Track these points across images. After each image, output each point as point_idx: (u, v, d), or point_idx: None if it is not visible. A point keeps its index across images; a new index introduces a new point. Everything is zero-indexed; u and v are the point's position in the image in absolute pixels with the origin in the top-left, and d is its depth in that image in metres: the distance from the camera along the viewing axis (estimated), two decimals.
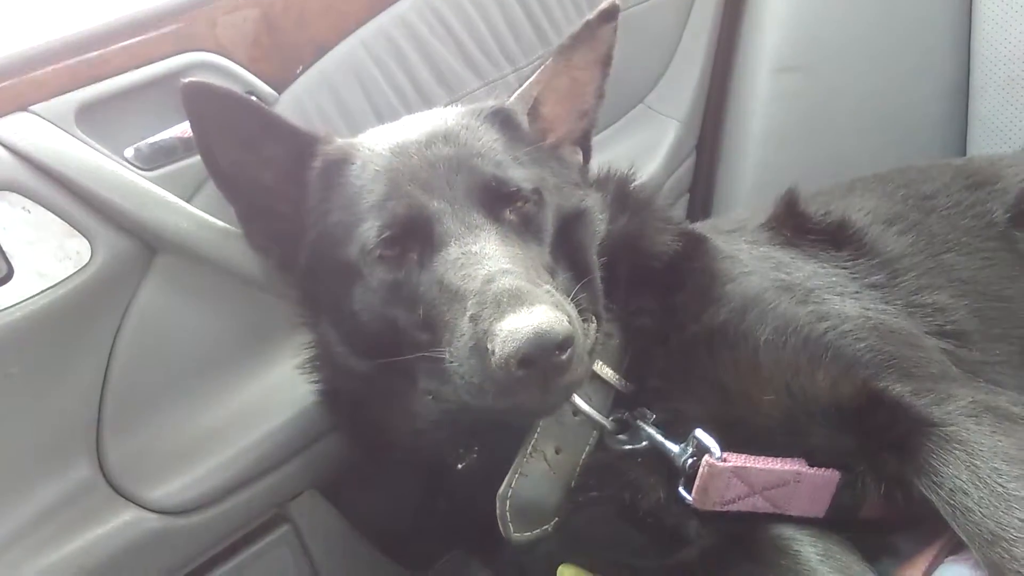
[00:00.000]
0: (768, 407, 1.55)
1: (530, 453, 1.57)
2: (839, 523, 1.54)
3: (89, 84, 1.76)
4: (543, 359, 1.30)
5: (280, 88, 2.01)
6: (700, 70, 2.86)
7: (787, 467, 1.51)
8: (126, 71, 1.81)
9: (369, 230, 1.52)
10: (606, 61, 1.78)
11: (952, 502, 1.38)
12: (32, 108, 1.69)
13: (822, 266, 1.84)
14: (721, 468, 1.49)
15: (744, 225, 2.03)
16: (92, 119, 1.75)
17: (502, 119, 1.70)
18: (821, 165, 2.74)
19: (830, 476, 1.52)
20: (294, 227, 1.67)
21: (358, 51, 2.13)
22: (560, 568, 1.63)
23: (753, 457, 1.52)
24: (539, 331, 1.29)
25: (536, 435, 1.57)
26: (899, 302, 1.78)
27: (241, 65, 1.95)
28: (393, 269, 1.52)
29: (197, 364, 1.91)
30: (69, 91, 1.73)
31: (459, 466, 1.62)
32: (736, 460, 1.50)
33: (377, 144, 1.65)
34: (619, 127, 2.76)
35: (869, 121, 2.87)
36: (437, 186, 1.54)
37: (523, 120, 1.74)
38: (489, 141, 1.64)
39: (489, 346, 1.31)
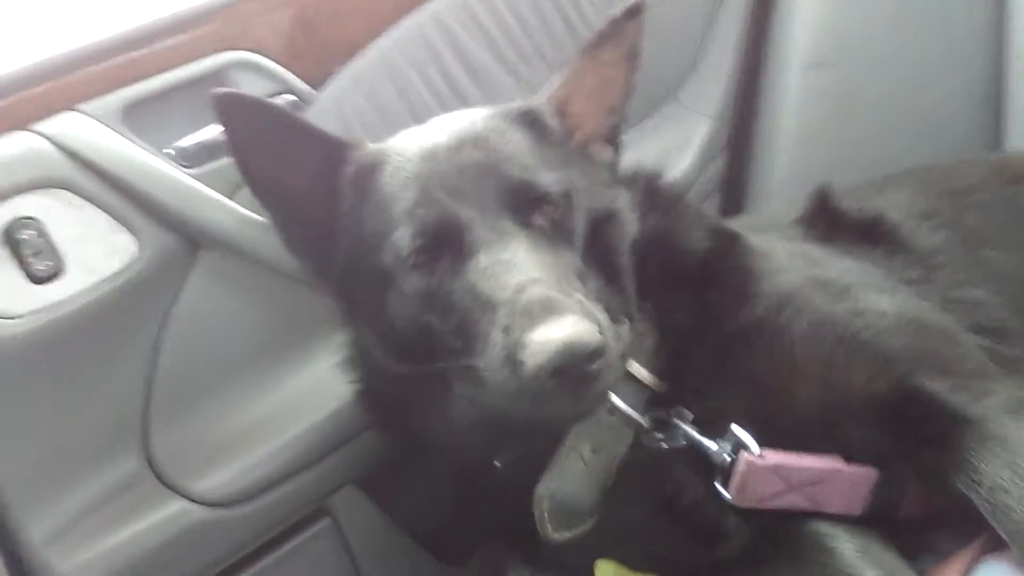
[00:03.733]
0: (805, 403, 1.55)
1: (567, 453, 1.58)
2: (877, 520, 1.55)
3: (133, 83, 1.79)
4: (574, 370, 1.31)
5: (317, 86, 2.03)
6: (730, 66, 2.84)
7: (825, 464, 1.52)
8: (168, 70, 1.83)
9: (401, 238, 1.52)
10: (633, 56, 1.75)
11: (992, 500, 1.38)
12: (79, 107, 1.72)
13: (857, 262, 1.83)
14: (759, 465, 1.50)
15: (777, 222, 2.02)
16: (137, 117, 1.78)
17: (531, 120, 1.69)
18: (853, 161, 2.72)
19: (867, 473, 1.52)
20: (328, 233, 1.67)
21: (392, 49, 2.14)
22: (598, 564, 1.65)
23: (791, 454, 1.52)
24: (569, 342, 1.29)
25: (572, 435, 1.58)
26: (936, 298, 1.78)
27: (279, 63, 1.97)
28: (426, 277, 1.52)
29: (240, 358, 1.94)
30: (115, 90, 1.76)
31: (496, 463, 1.64)
32: (774, 457, 1.51)
33: (407, 149, 1.64)
34: (651, 123, 2.75)
35: (901, 116, 2.85)
36: (467, 192, 1.53)
37: (552, 120, 1.72)
38: (517, 144, 1.63)
39: (520, 357, 1.32)
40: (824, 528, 1.53)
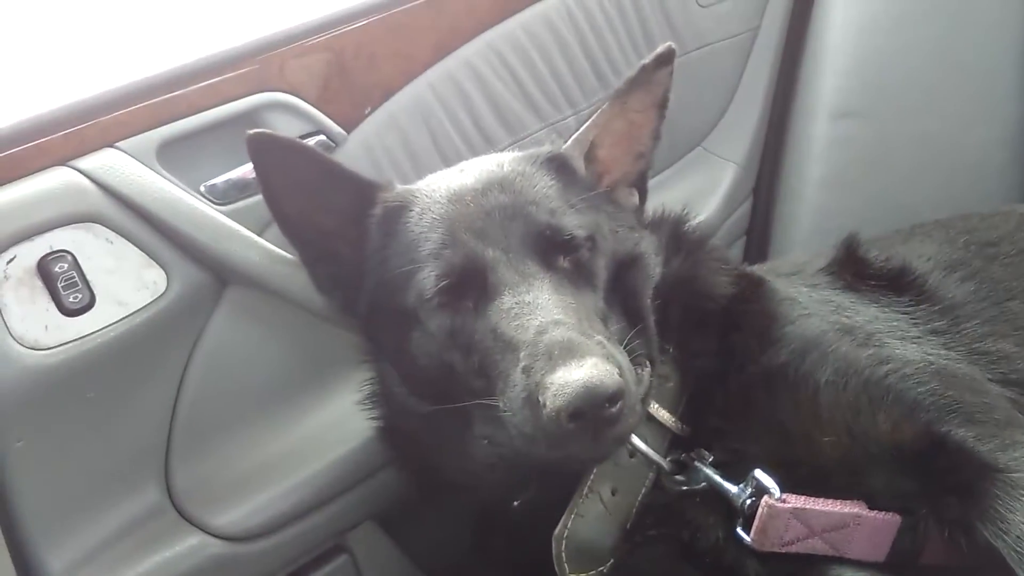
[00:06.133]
0: (828, 448, 1.54)
1: (586, 494, 1.58)
2: (900, 568, 1.53)
3: (169, 123, 1.83)
4: (593, 412, 1.32)
5: (349, 128, 2.07)
6: (758, 114, 2.87)
7: (847, 509, 1.50)
8: (204, 110, 1.87)
9: (426, 279, 1.55)
10: (662, 104, 1.79)
11: (1019, 549, 1.37)
12: (117, 145, 1.76)
13: (883, 311, 1.83)
14: (780, 509, 1.49)
15: (803, 268, 2.02)
16: (172, 155, 1.82)
17: (558, 165, 1.72)
18: (879, 210, 2.72)
19: (891, 520, 1.51)
20: (356, 272, 1.70)
21: (424, 93, 2.18)
22: None
23: (813, 499, 1.51)
24: (589, 385, 1.30)
25: (592, 476, 1.58)
26: (962, 348, 1.76)
27: (313, 105, 2.01)
28: (450, 316, 1.54)
29: (263, 394, 1.96)
30: (151, 129, 1.80)
31: (515, 503, 1.64)
32: (796, 501, 1.50)
33: (434, 191, 1.68)
34: (677, 169, 2.77)
35: (929, 167, 2.84)
36: (492, 234, 1.56)
37: (579, 165, 1.75)
38: (544, 188, 1.65)
39: (540, 399, 1.33)
40: (846, 574, 1.51)
